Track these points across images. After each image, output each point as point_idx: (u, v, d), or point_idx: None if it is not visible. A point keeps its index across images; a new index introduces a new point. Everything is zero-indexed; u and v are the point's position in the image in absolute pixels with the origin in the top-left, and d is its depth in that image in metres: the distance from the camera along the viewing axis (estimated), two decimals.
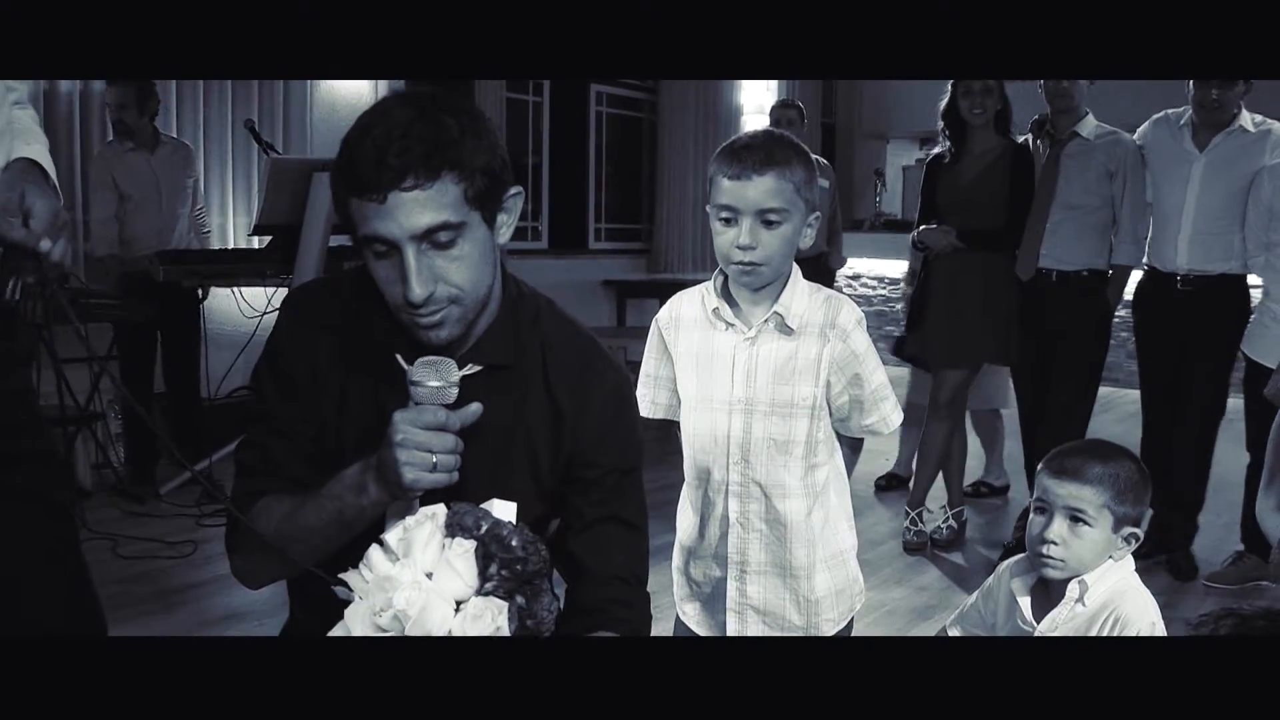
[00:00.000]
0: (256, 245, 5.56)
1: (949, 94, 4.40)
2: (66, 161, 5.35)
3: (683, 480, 2.10)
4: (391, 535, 1.25)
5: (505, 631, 1.19)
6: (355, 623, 1.22)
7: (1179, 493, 4.21)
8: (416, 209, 1.35)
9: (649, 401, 2.08)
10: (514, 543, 1.20)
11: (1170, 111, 4.26)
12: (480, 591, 1.19)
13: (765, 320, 1.93)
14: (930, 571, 4.31)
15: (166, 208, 5.23)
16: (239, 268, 5.02)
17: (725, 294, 1.97)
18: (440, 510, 1.25)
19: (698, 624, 2.08)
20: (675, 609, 2.15)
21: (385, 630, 1.21)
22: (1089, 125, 4.30)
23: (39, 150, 1.77)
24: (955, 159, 4.44)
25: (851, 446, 2.11)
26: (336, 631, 1.25)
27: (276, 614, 3.49)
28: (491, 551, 1.20)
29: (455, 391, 1.40)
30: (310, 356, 1.55)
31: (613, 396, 1.61)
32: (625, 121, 9.33)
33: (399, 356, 1.48)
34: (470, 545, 1.20)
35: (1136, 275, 4.42)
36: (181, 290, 4.99)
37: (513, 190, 1.48)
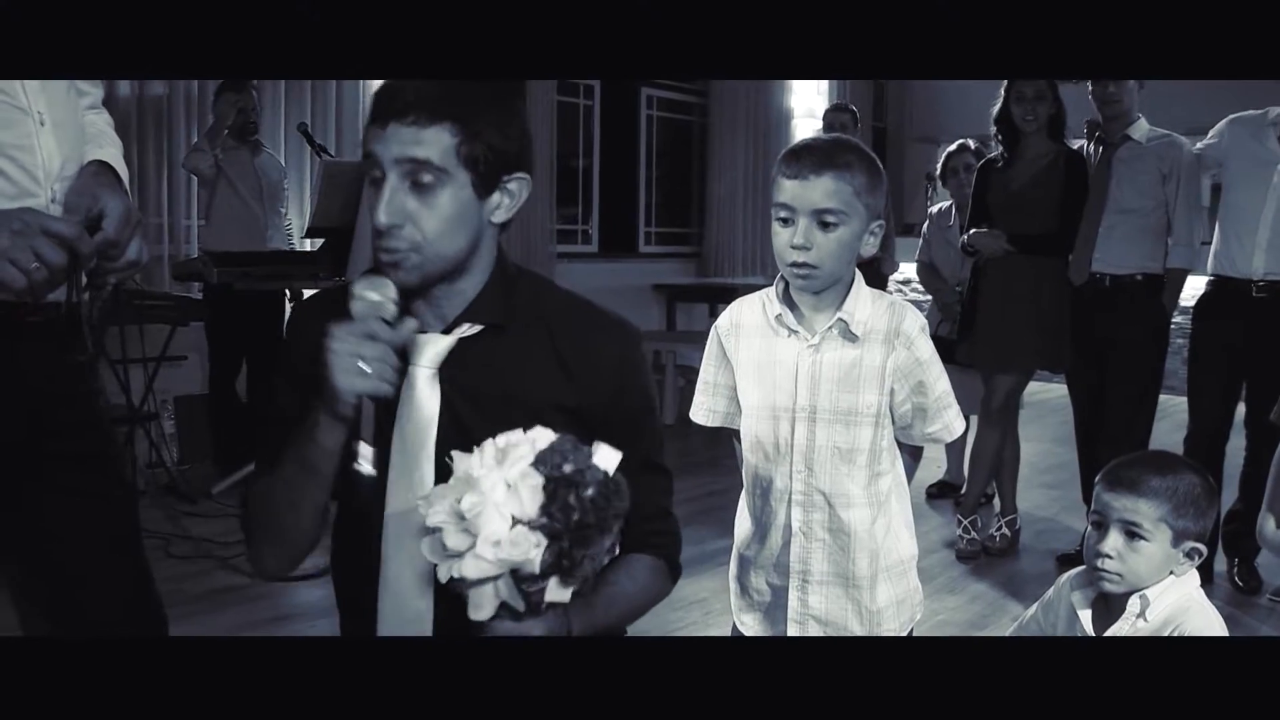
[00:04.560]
0: (309, 247, 5.62)
1: (1001, 99, 4.36)
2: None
3: (732, 486, 2.07)
4: (495, 441, 1.32)
5: (535, 563, 1.26)
6: (435, 509, 1.30)
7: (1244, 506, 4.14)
8: (407, 141, 1.46)
9: (707, 409, 2.06)
10: (587, 493, 1.27)
11: (1249, 112, 4.12)
12: (533, 523, 1.26)
13: (829, 327, 1.90)
14: (984, 580, 4.26)
15: (269, 209, 5.45)
16: (291, 270, 5.06)
17: (787, 300, 1.95)
18: (545, 436, 1.32)
19: (757, 635, 2.05)
20: (730, 617, 2.12)
21: (445, 524, 1.28)
22: (1141, 129, 4.24)
23: (112, 153, 1.80)
24: (1008, 163, 4.40)
25: (912, 454, 2.07)
26: (421, 508, 1.32)
27: (328, 615, 3.50)
28: (558, 492, 1.27)
29: (394, 308, 1.48)
30: (313, 346, 1.60)
31: (622, 343, 1.65)
32: (676, 125, 9.32)
33: None
34: (541, 479, 1.27)
35: (1194, 285, 4.34)
36: (271, 300, 5.09)
37: (518, 174, 1.56)
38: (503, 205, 1.56)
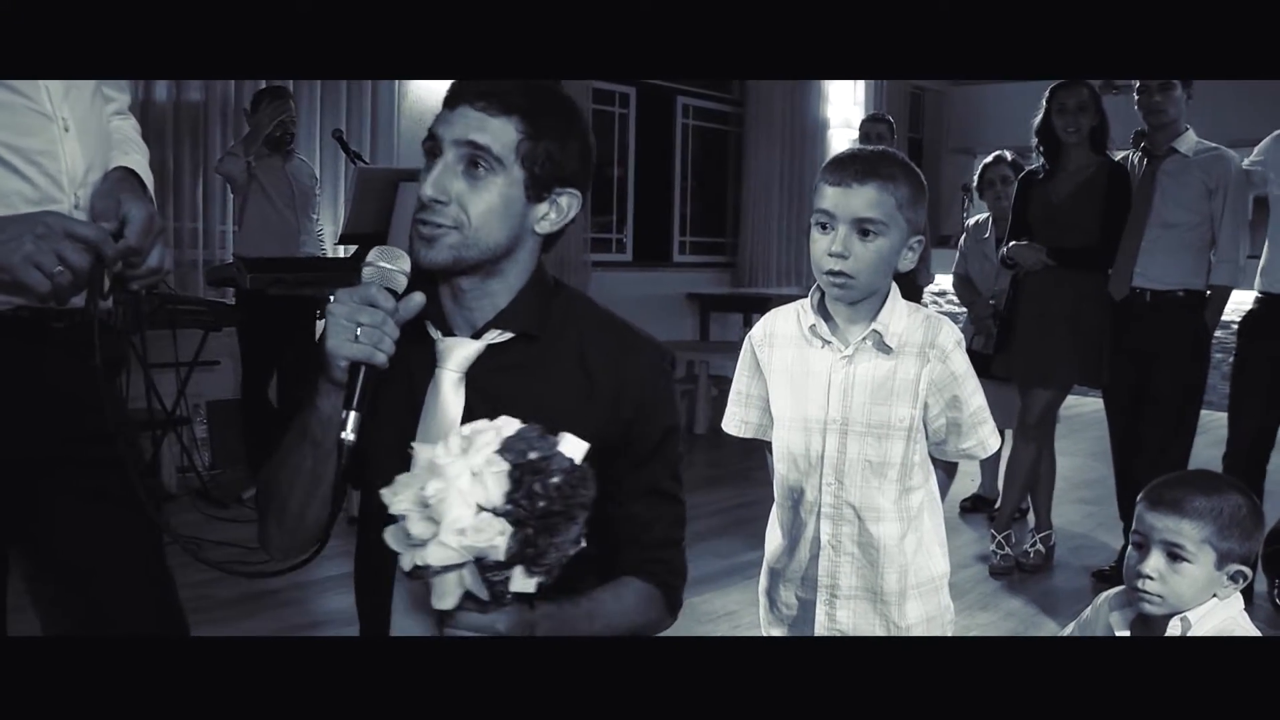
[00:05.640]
0: (343, 254, 5.64)
1: (1043, 111, 4.31)
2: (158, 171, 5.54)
3: (763, 498, 2.05)
4: (462, 430, 1.32)
5: (500, 550, 1.25)
6: (399, 497, 1.29)
7: None
8: (473, 124, 1.49)
9: (739, 420, 2.04)
10: (552, 480, 1.27)
11: None
12: (498, 510, 1.25)
13: (863, 338, 1.88)
14: (1018, 596, 4.21)
15: (301, 215, 5.44)
16: (324, 276, 5.08)
17: (822, 311, 1.93)
18: (512, 424, 1.31)
19: None
20: (758, 631, 2.10)
21: (409, 512, 1.27)
22: (1188, 141, 4.16)
23: (137, 160, 1.80)
24: (1049, 176, 4.35)
25: (946, 470, 2.04)
26: (385, 497, 1.30)
27: (355, 623, 3.49)
28: (523, 479, 1.26)
29: (403, 279, 1.48)
30: None
31: (651, 368, 1.64)
32: (711, 134, 9.30)
33: (429, 323, 1.56)
34: (506, 466, 1.27)
35: (1238, 300, 4.27)
36: (304, 306, 5.10)
37: (570, 190, 1.56)
38: (549, 217, 1.56)
